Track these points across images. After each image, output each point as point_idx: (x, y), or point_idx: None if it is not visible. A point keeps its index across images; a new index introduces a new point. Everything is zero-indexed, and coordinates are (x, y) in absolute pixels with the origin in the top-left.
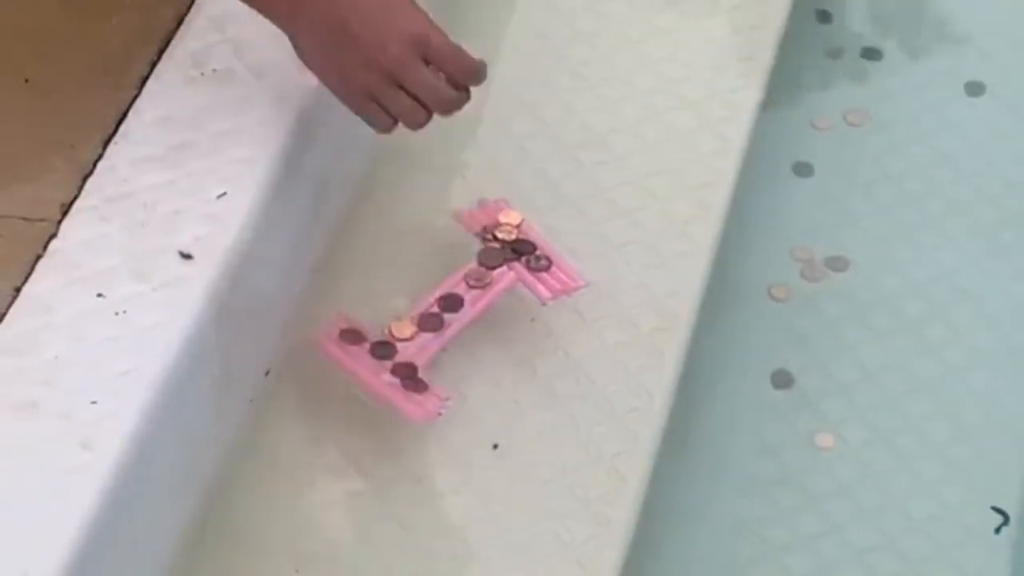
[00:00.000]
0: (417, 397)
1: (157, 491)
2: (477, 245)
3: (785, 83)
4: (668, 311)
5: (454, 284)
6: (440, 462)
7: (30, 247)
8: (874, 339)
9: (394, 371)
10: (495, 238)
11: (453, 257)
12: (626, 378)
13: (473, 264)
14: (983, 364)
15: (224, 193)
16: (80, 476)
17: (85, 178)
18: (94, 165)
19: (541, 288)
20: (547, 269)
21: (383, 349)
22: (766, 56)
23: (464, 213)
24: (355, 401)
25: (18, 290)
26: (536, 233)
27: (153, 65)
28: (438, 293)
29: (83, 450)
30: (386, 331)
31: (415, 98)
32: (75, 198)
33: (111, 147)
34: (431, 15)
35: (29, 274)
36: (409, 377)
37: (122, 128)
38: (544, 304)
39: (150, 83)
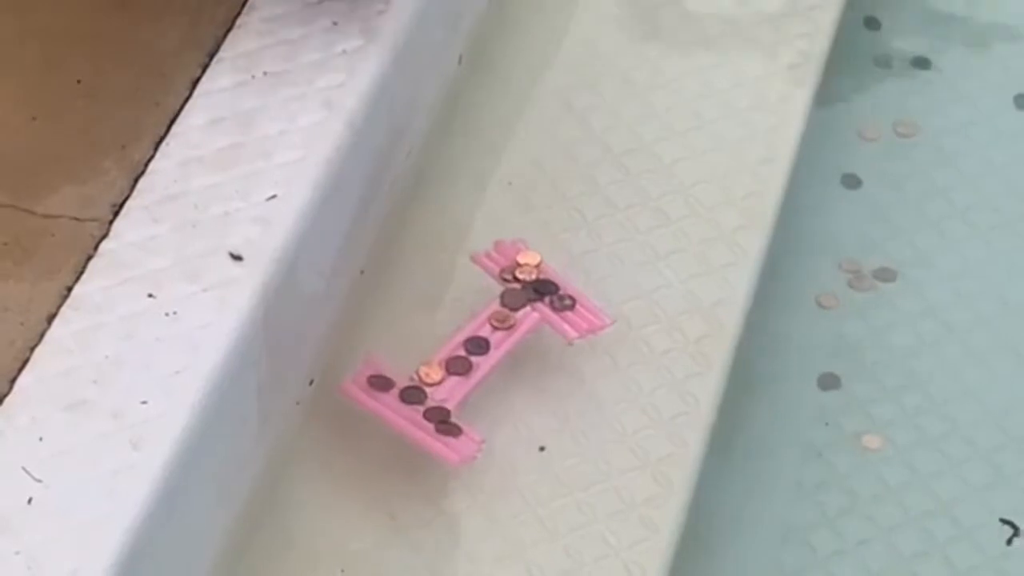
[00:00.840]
0: (452, 442)
1: (205, 491)
2: (498, 287)
3: (833, 92)
4: (715, 319)
5: (478, 326)
6: (487, 463)
7: (82, 247)
8: (922, 347)
9: (427, 416)
10: (516, 279)
11: (476, 299)
12: (673, 384)
13: (496, 306)
14: None
15: (274, 195)
16: (130, 475)
17: (136, 179)
18: (145, 166)
19: (567, 328)
20: (572, 308)
21: (413, 394)
22: (815, 64)
23: (480, 256)
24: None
25: (70, 290)
26: (556, 273)
27: (204, 68)
28: (463, 336)
29: (133, 450)
30: (415, 376)
31: None
32: (126, 199)
33: (162, 148)
34: (482, 14)
35: (80, 274)
36: (443, 421)
37: (173, 130)
38: (570, 344)
39: (201, 85)
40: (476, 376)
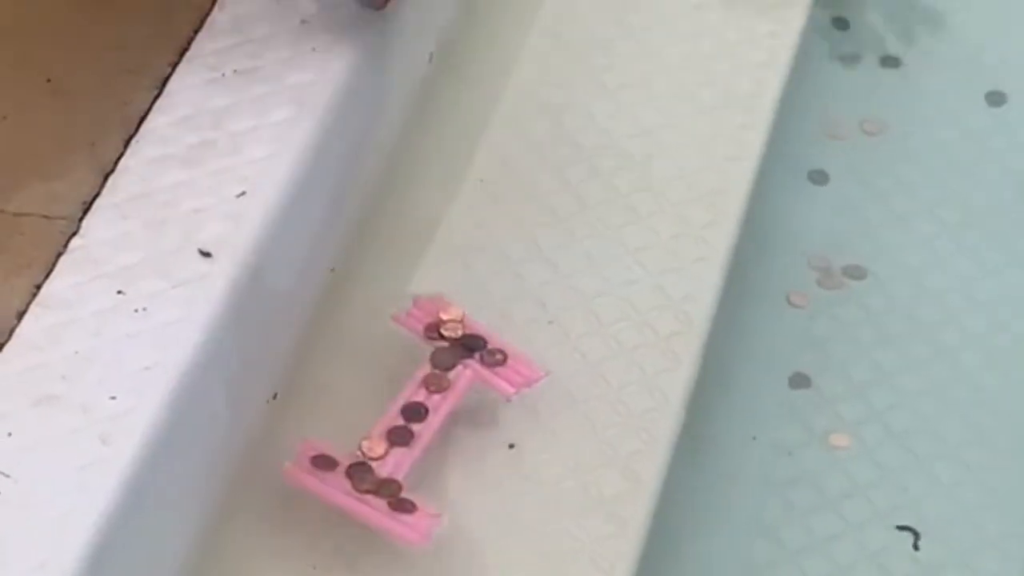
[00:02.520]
0: (408, 519)
1: (175, 486)
2: (424, 345)
3: (802, 91)
4: (684, 314)
5: (413, 391)
6: (456, 460)
7: (51, 244)
8: (890, 344)
9: (379, 493)
10: (442, 336)
11: (406, 361)
12: (642, 380)
13: (427, 367)
14: (998, 369)
15: (244, 192)
16: (98, 470)
17: (106, 176)
18: (115, 164)
19: (503, 384)
20: (503, 363)
21: (360, 470)
22: (783, 63)
23: (402, 316)
24: None
25: (39, 287)
26: (481, 326)
27: (174, 66)
28: (399, 403)
29: (102, 444)
30: (358, 452)
31: None
32: (96, 196)
33: (132, 146)
34: (452, 14)
35: (50, 271)
36: (395, 496)
37: (143, 127)
38: (509, 400)
39: (171, 83)
40: (419, 445)
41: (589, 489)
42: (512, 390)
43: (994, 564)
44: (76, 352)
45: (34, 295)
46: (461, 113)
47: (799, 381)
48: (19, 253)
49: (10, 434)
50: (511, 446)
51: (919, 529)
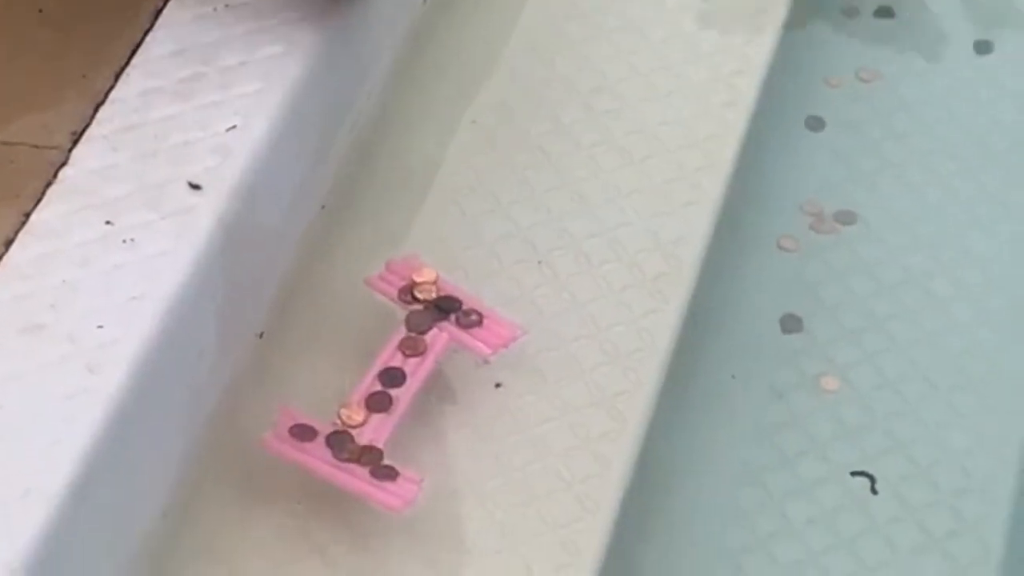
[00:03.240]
0: (391, 486)
1: (162, 417)
2: (398, 308)
3: (799, 39)
4: (674, 257)
5: (389, 356)
6: (443, 398)
7: (40, 174)
8: (882, 291)
9: (360, 461)
10: (416, 299)
11: (380, 326)
12: (630, 321)
13: (403, 331)
14: (988, 319)
15: (234, 126)
16: (85, 399)
17: (97, 108)
18: (106, 95)
19: (480, 345)
20: (479, 323)
21: (339, 439)
22: (779, 10)
23: (375, 279)
24: None
25: (27, 216)
26: (455, 287)
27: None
28: (376, 369)
29: (89, 373)
30: (337, 420)
31: None
32: (86, 127)
33: (123, 78)
34: None
35: (39, 201)
36: (376, 464)
37: (134, 60)
38: (486, 361)
39: (163, 17)
40: (398, 410)
41: (575, 429)
42: (489, 351)
43: (980, 507)
44: (64, 281)
45: (23, 224)
46: (455, 54)
47: (790, 324)
48: (8, 182)
49: None
50: (497, 385)
51: (908, 472)
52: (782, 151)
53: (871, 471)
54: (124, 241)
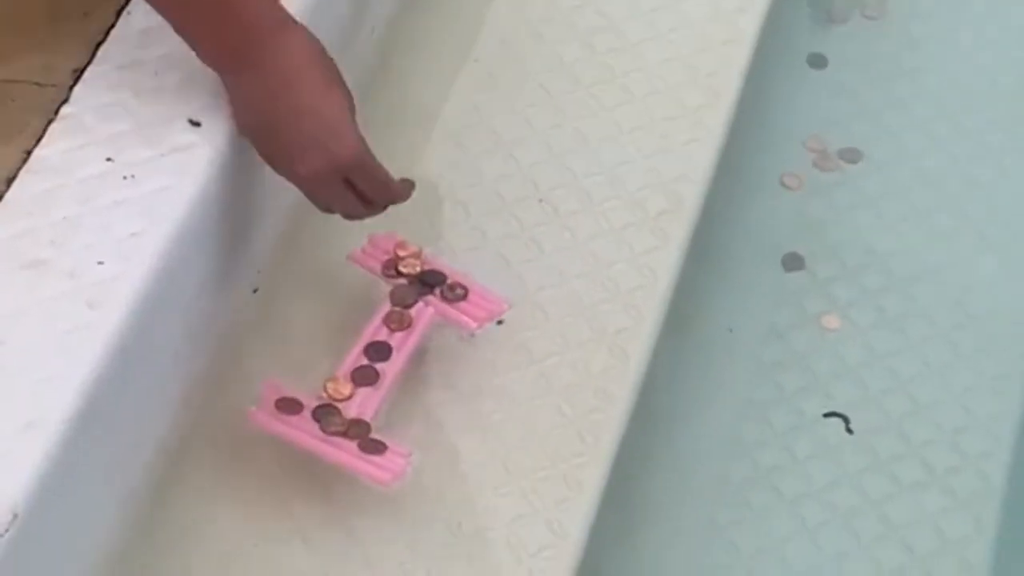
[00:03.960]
0: (379, 460)
1: (161, 354)
2: (384, 284)
3: None
4: (675, 194)
5: (375, 331)
6: (446, 333)
7: (42, 112)
8: (884, 227)
9: (348, 435)
10: (400, 273)
11: (366, 300)
12: (631, 258)
13: (388, 305)
14: (991, 253)
15: None
16: (84, 334)
17: (97, 46)
18: (106, 33)
19: (466, 319)
20: (465, 297)
21: (326, 413)
22: None
23: (357, 253)
24: None
25: (29, 153)
26: (439, 260)
27: None
28: (362, 343)
29: (88, 309)
30: (323, 394)
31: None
32: (87, 65)
33: (124, 16)
34: None
35: (40, 138)
36: (364, 437)
37: None
38: (472, 335)
39: None
40: (385, 383)
41: (577, 365)
42: (475, 325)
43: (982, 445)
44: (64, 218)
45: (24, 161)
46: None
47: (792, 262)
48: (10, 120)
49: None
50: (499, 322)
51: (909, 410)
52: (785, 89)
53: (872, 409)
54: (124, 178)
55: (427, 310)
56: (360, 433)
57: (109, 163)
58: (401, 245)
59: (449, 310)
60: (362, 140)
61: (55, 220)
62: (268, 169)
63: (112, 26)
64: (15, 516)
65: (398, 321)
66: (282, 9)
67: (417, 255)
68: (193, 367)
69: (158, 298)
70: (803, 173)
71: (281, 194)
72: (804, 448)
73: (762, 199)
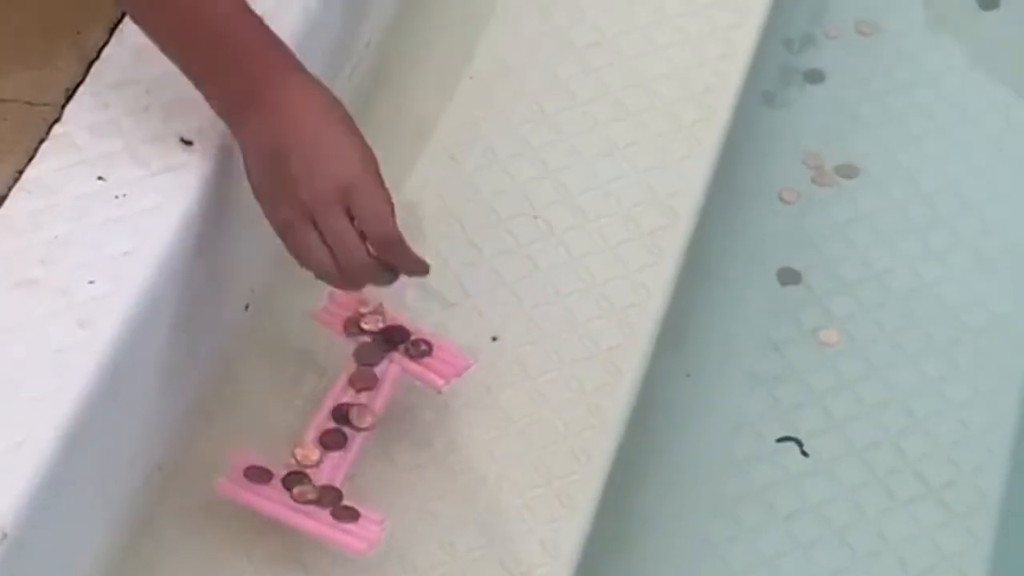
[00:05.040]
0: (353, 528)
1: (152, 373)
2: (346, 342)
3: None
4: (670, 210)
5: (341, 392)
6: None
7: (33, 130)
8: (881, 243)
9: (320, 503)
10: (362, 330)
11: (329, 359)
12: (626, 275)
13: (352, 365)
14: (986, 269)
15: None
16: (75, 353)
17: (90, 64)
18: (99, 52)
19: (433, 376)
20: (429, 353)
21: (296, 480)
22: None
23: (320, 312)
24: None
25: (21, 172)
26: (401, 316)
27: None
28: (328, 405)
29: (79, 328)
30: (292, 460)
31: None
32: (79, 84)
33: (117, 35)
34: None
35: (32, 157)
36: (336, 504)
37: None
38: (440, 393)
39: None
40: (354, 448)
41: (571, 382)
42: (442, 383)
43: (978, 459)
44: (56, 236)
45: (16, 180)
46: (453, 8)
47: (789, 277)
48: (1, 139)
49: None
50: (494, 338)
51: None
52: (782, 103)
53: (868, 423)
54: (116, 197)
55: (392, 368)
56: (332, 500)
57: (101, 182)
58: (362, 302)
59: (415, 367)
60: (373, 160)
61: (46, 239)
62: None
63: (105, 44)
64: (4, 535)
65: (363, 381)
66: (293, 57)
67: (379, 311)
68: (188, 382)
69: (149, 317)
70: (801, 188)
71: None
72: (799, 464)
73: (759, 214)
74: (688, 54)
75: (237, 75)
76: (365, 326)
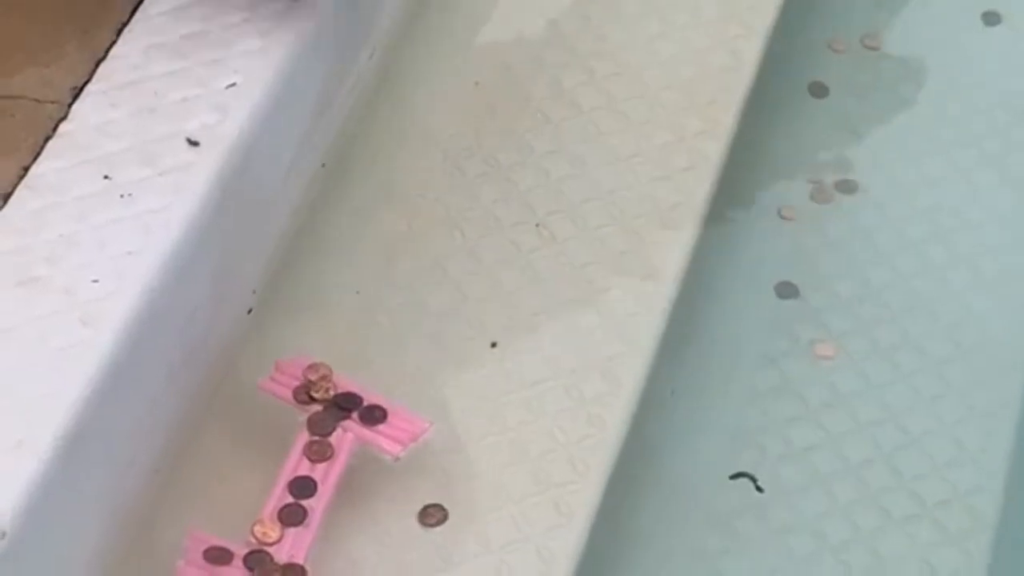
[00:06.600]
0: None
1: (155, 372)
2: (297, 411)
3: (803, 4)
4: (671, 221)
5: (296, 463)
6: (440, 359)
7: (40, 128)
8: (879, 259)
9: None
10: (312, 399)
11: (279, 428)
12: (627, 285)
13: (305, 435)
14: (982, 288)
15: (233, 84)
16: (78, 352)
17: (97, 63)
18: (107, 51)
19: (386, 443)
20: (384, 419)
21: (259, 560)
22: None
23: (267, 382)
24: None
25: (26, 169)
26: (351, 381)
27: None
28: (284, 479)
29: (83, 326)
30: (252, 539)
31: None
32: (87, 83)
33: (125, 34)
34: None
35: (38, 155)
36: None
37: (136, 16)
38: (396, 461)
39: None
40: (314, 521)
41: (570, 390)
42: (398, 449)
43: (972, 477)
44: (60, 235)
45: (21, 178)
46: (458, 15)
47: (786, 291)
48: (8, 136)
49: None
50: (493, 344)
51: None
52: (785, 117)
53: (863, 439)
54: (122, 196)
55: (347, 437)
56: None
57: (106, 181)
58: (311, 368)
59: (370, 435)
60: None
61: (51, 237)
62: (265, 189)
63: (112, 44)
64: (3, 534)
65: (319, 452)
66: None
67: (327, 377)
68: (186, 387)
69: (152, 316)
70: (800, 204)
71: (277, 215)
72: (795, 478)
73: (758, 228)
74: (693, 66)
75: None
76: (315, 394)
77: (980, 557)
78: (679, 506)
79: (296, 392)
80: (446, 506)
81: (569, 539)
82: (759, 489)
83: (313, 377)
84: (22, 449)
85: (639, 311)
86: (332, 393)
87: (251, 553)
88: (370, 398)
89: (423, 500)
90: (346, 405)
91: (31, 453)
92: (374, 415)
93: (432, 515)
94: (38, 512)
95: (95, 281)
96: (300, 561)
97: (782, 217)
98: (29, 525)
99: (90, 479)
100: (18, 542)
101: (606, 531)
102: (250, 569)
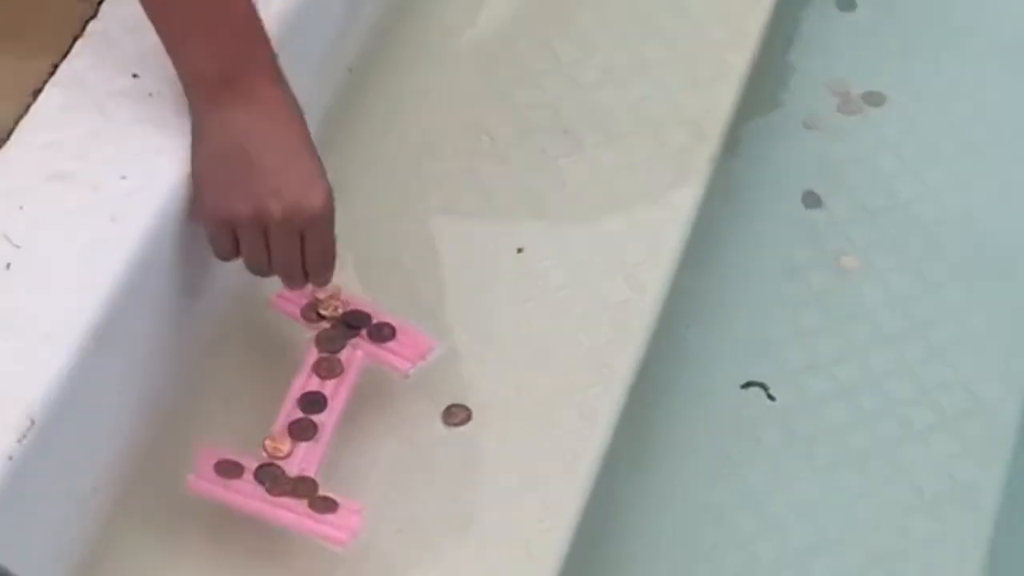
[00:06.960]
0: (332, 519)
1: (182, 270)
2: (306, 328)
3: None
4: (698, 130)
5: (306, 379)
6: (466, 262)
7: (69, 27)
8: (905, 171)
9: (295, 494)
10: (321, 316)
11: (290, 345)
12: (652, 192)
13: (314, 352)
14: (1013, 199)
15: None
16: (106, 247)
17: None
18: None
19: (397, 360)
20: (393, 337)
21: (269, 473)
22: None
23: (275, 298)
24: None
25: (56, 67)
26: (360, 299)
27: None
28: (294, 395)
29: (111, 222)
30: (263, 453)
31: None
32: None
33: None
34: None
35: (67, 53)
36: (312, 495)
37: None
38: (406, 377)
39: None
40: (325, 436)
41: (594, 296)
42: (408, 366)
43: (996, 388)
44: (88, 131)
45: (51, 75)
46: None
47: (811, 200)
48: (38, 35)
49: (22, 207)
50: (519, 250)
51: (925, 355)
52: (812, 29)
53: (888, 352)
54: (150, 95)
55: (356, 354)
56: (308, 492)
57: (135, 79)
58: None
59: (379, 352)
60: (332, 201)
61: (79, 134)
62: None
63: None
64: (32, 423)
65: (328, 369)
66: (273, 54)
67: (336, 295)
68: (206, 293)
69: (180, 212)
70: (826, 115)
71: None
72: (817, 388)
73: (784, 140)
74: None
75: (217, 58)
76: (324, 312)
77: (999, 468)
78: (702, 413)
79: (304, 310)
80: (469, 406)
81: (592, 441)
82: (771, 397)
83: (321, 295)
84: (51, 341)
85: (664, 218)
86: (340, 311)
87: (262, 467)
88: (378, 316)
89: (447, 401)
90: (355, 323)
91: (60, 345)
92: (383, 333)
93: (456, 415)
94: (65, 403)
95: (123, 177)
96: (311, 474)
97: (807, 127)
98: (57, 415)
99: (117, 370)
100: (46, 431)
101: (629, 434)
102: (261, 482)
